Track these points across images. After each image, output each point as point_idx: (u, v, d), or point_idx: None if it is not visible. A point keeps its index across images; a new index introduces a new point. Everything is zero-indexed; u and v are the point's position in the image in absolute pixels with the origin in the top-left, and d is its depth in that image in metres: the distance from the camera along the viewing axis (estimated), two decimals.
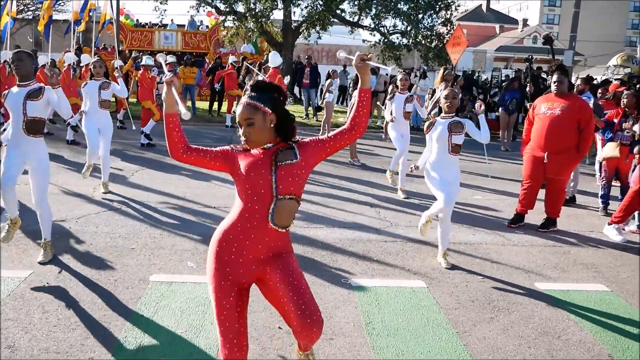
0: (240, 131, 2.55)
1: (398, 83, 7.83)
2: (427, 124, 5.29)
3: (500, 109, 13.47)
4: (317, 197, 7.62)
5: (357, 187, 8.33)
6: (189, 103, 15.91)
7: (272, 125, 2.56)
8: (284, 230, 2.59)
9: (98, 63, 7.10)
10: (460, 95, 5.59)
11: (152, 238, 5.58)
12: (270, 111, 2.54)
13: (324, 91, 13.51)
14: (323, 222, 6.40)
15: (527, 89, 9.89)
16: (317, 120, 15.77)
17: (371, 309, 4.18)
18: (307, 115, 16.62)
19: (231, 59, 14.82)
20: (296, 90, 19.99)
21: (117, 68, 12.69)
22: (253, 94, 2.56)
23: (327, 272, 4.88)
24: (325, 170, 9.51)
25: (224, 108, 15.29)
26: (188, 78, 15.45)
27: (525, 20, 55.29)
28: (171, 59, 12.49)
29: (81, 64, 12.03)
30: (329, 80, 13.29)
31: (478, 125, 5.31)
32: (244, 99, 2.56)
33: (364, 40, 21.98)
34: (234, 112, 14.18)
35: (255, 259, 2.62)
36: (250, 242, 2.58)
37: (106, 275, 4.59)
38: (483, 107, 5.38)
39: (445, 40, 18.65)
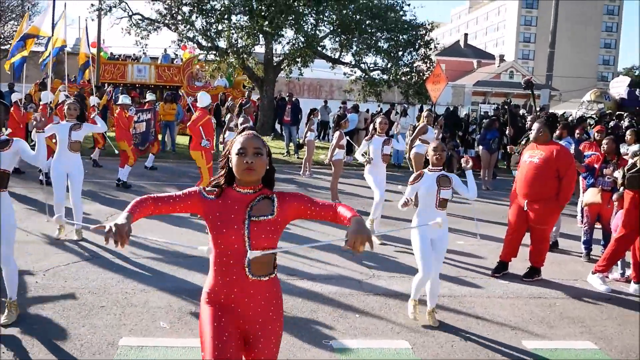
0: (241, 159, 2.43)
1: (377, 126, 7.74)
2: (413, 175, 5.16)
3: (481, 148, 13.51)
4: (296, 244, 7.41)
5: (337, 233, 8.14)
6: (168, 138, 15.71)
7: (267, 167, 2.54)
8: (267, 279, 2.51)
9: (73, 105, 6.90)
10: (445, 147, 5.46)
11: (124, 294, 5.32)
12: (268, 153, 2.56)
13: (305, 129, 13.44)
14: (303, 274, 6.19)
15: (507, 132, 9.90)
16: (298, 158, 15.67)
17: None
18: (287, 152, 16.50)
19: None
20: (277, 126, 19.93)
21: (93, 106, 12.55)
22: (254, 132, 2.57)
23: (307, 332, 4.66)
24: None
25: None
26: (168, 114, 15.27)
27: (502, 56, 56.47)
28: (150, 96, 12.28)
29: (41, 102, 11.52)
30: (310, 119, 13.23)
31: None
32: (251, 132, 2.54)
33: (344, 74, 22.10)
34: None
35: (243, 313, 2.52)
36: (235, 296, 2.49)
37: (72, 340, 4.32)
38: (470, 162, 5.26)
39: (425, 77, 18.84)
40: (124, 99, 10.30)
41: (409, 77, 19.34)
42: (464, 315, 5.25)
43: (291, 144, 16.58)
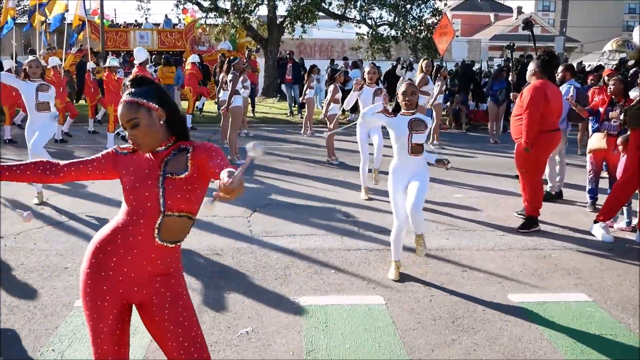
0: (127, 135, 2.19)
1: (365, 76, 7.30)
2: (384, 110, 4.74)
3: (488, 99, 12.95)
4: (282, 201, 7.15)
5: (330, 189, 7.84)
6: None
7: (161, 122, 2.19)
8: (173, 246, 2.25)
9: (34, 63, 6.63)
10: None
11: None
12: (157, 106, 2.18)
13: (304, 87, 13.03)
14: (284, 230, 5.91)
15: (510, 78, 9.37)
16: (300, 117, 15.28)
17: (316, 334, 3.69)
18: (291, 112, 16.11)
19: (192, 58, 14.17)
20: (283, 87, 19.48)
21: (89, 70, 12.28)
22: (133, 89, 2.20)
23: (274, 291, 4.39)
24: (297, 170, 9.04)
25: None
26: (167, 78, 14.93)
27: (519, 8, 54.55)
28: (113, 61, 11.43)
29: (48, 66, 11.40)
30: (309, 77, 12.80)
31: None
32: (124, 97, 2.20)
33: (357, 34, 21.30)
34: (195, 110, 13.77)
35: (137, 277, 2.22)
36: (132, 258, 2.20)
37: (26, 302, 4.12)
38: (449, 166, 4.71)
39: (434, 31, 18.10)
40: (111, 61, 9.97)
41: (417, 31, 18.59)
42: (449, 268, 4.93)
43: (294, 104, 16.18)
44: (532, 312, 4.11)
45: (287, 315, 3.97)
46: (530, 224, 6.08)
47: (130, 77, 2.28)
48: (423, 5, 19.06)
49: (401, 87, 4.66)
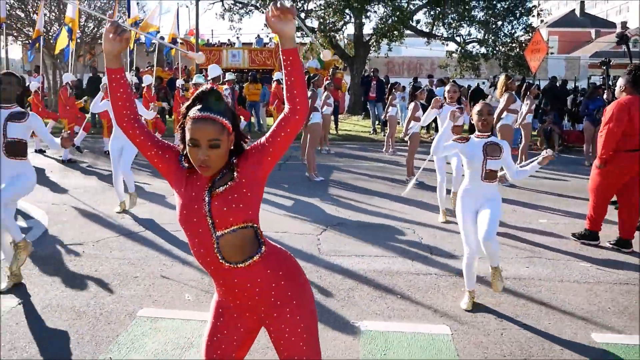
0: (194, 153, 1.95)
1: (446, 94, 7.04)
2: (461, 135, 4.53)
3: (584, 119, 12.17)
4: (355, 220, 6.99)
5: (407, 209, 7.59)
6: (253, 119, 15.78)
7: (231, 148, 2.03)
8: (245, 265, 2.05)
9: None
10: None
11: (162, 265, 5.19)
12: (231, 129, 2.00)
13: (387, 105, 12.87)
14: (353, 250, 5.76)
15: (605, 97, 8.73)
16: (383, 135, 15.09)
17: None
18: (374, 130, 15.96)
19: (277, 75, 14.44)
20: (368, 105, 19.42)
21: (179, 87, 12.81)
22: (211, 104, 1.97)
23: (335, 313, 4.23)
24: (375, 189, 8.86)
25: None
26: (252, 94, 15.29)
27: (624, 24, 51.21)
28: (230, 76, 12.21)
29: (142, 84, 12.08)
30: (391, 95, 12.62)
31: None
32: (203, 112, 1.94)
33: (447, 52, 20.87)
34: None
35: (242, 305, 2.13)
36: (225, 288, 2.11)
37: (94, 308, 4.22)
38: (548, 161, 4.40)
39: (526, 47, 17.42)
40: (197, 79, 10.30)
41: (508, 48, 17.94)
42: (526, 301, 4.55)
43: (377, 122, 16.03)
44: (618, 356, 3.69)
45: (345, 339, 3.81)
46: (622, 245, 5.70)
47: (205, 87, 2.06)
48: (515, 22, 18.38)
49: (476, 107, 4.43)
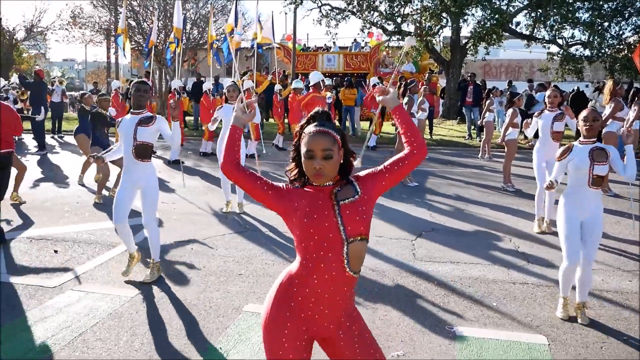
0: (310, 164, 2.17)
1: (546, 99, 6.88)
2: (561, 149, 4.48)
3: None
4: (449, 227, 7.01)
5: (503, 218, 7.49)
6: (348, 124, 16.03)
7: (341, 162, 2.26)
8: (357, 276, 2.25)
9: (232, 87, 7.35)
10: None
11: (264, 264, 5.51)
12: (341, 144, 2.25)
13: (484, 110, 12.66)
14: (448, 256, 5.81)
15: None
16: (479, 141, 14.84)
17: None
18: (469, 135, 15.72)
19: (373, 80, 14.55)
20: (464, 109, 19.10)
21: (276, 92, 13.30)
22: (324, 123, 2.25)
23: (432, 316, 4.34)
24: (470, 196, 8.79)
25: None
26: (348, 99, 15.55)
27: None
28: (297, 83, 11.97)
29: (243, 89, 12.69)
30: (489, 100, 12.41)
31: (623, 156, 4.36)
32: (318, 127, 2.20)
33: (548, 54, 20.00)
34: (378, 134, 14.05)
35: (330, 314, 2.25)
36: (329, 295, 2.21)
37: (204, 301, 4.58)
38: (632, 137, 4.36)
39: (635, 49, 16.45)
40: (296, 83, 10.70)
41: (615, 50, 17.00)
42: (628, 314, 4.42)
43: (473, 127, 15.77)
44: None
45: (441, 343, 3.90)
46: None
47: (318, 109, 2.32)
48: (624, 22, 17.37)
49: (582, 113, 4.38)
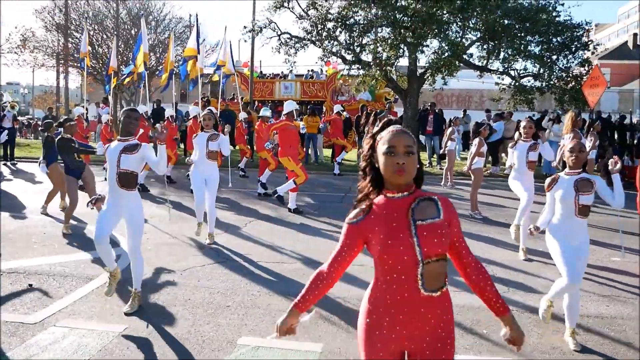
0: (391, 160, 2.16)
1: (521, 130, 7.15)
2: (548, 180, 4.68)
3: None
4: None
5: (475, 245, 7.67)
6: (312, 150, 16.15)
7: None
8: (439, 294, 2.21)
9: (207, 115, 7.33)
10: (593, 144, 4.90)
11: (250, 296, 5.45)
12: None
13: (445, 139, 13.02)
14: None
15: None
16: (440, 169, 15.22)
17: None
18: (430, 163, 16.09)
19: (336, 107, 14.83)
20: (422, 138, 19.55)
21: (241, 120, 13.29)
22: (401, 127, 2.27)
23: None
24: None
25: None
26: (311, 127, 15.69)
27: None
28: (265, 112, 11.81)
29: (189, 116, 12.57)
30: (450, 128, 12.78)
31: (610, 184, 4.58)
32: (398, 127, 2.24)
33: (496, 84, 20.83)
34: (340, 160, 14.22)
35: (410, 334, 2.23)
36: (404, 317, 2.20)
37: (195, 335, 4.49)
38: (619, 165, 4.58)
39: (583, 82, 17.32)
40: (263, 112, 10.74)
41: (564, 82, 17.86)
42: (611, 340, 4.60)
43: (434, 156, 16.16)
44: None
45: None
46: None
47: (390, 118, 2.37)
48: (571, 56, 18.29)
49: (569, 144, 4.57)
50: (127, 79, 17.42)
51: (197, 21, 14.36)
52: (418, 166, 2.25)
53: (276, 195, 9.80)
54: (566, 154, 4.51)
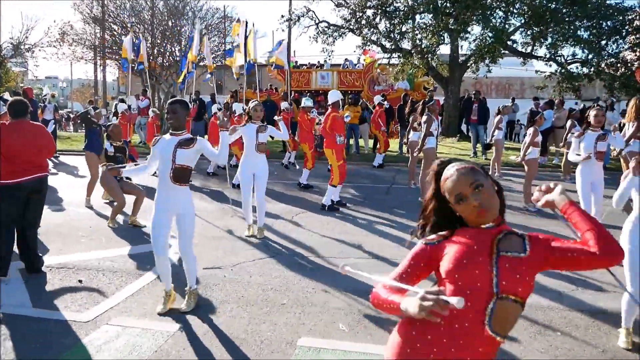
0: (467, 206, 1.97)
1: (591, 119, 6.72)
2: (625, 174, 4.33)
3: None
4: None
5: None
6: (352, 142, 15.88)
7: (496, 190, 2.03)
8: (501, 339, 1.91)
9: (258, 107, 7.11)
10: None
11: (305, 292, 5.24)
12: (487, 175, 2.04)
13: (492, 128, 12.57)
14: None
15: None
16: (485, 159, 14.75)
17: None
18: (474, 153, 15.63)
19: (377, 98, 14.44)
20: (463, 127, 19.06)
21: (284, 110, 13.10)
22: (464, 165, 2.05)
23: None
24: None
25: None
26: (353, 118, 15.37)
27: None
28: (307, 102, 11.25)
29: (236, 113, 12.27)
30: (498, 117, 12.32)
31: None
32: (457, 165, 2.04)
33: (537, 72, 20.18)
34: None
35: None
36: (455, 349, 1.88)
37: (253, 335, 4.30)
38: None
39: (634, 68, 16.58)
40: (305, 102, 10.49)
41: (614, 68, 17.11)
42: None
43: (478, 145, 15.69)
44: None
45: None
46: None
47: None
48: (621, 41, 17.50)
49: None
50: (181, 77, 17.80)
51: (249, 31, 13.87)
52: (497, 189, 2.02)
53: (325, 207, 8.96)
54: None
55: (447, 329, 1.89)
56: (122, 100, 16.92)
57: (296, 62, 28.33)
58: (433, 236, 2.06)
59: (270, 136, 7.36)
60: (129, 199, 7.85)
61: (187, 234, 4.74)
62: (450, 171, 2.03)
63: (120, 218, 8.08)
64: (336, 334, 4.35)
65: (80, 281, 5.49)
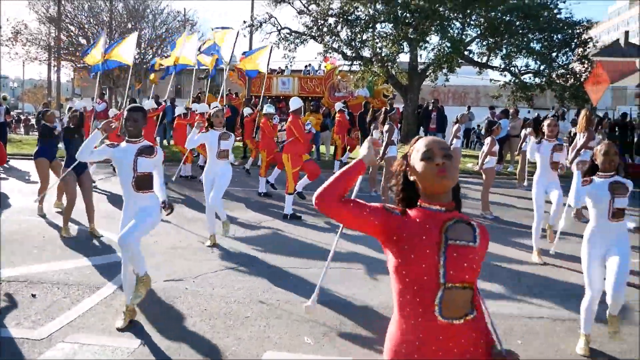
0: (429, 164, 1.99)
1: (545, 129, 6.91)
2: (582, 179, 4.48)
3: None
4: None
5: (492, 248, 7.44)
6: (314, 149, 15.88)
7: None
8: (461, 322, 1.94)
9: (220, 112, 7.04)
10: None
11: (269, 304, 5.18)
12: None
13: (451, 137, 12.78)
14: None
15: None
16: None
17: None
18: None
19: (338, 105, 14.54)
20: (422, 134, 19.34)
21: (247, 116, 13.02)
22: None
23: None
24: None
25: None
26: (314, 125, 15.38)
27: None
28: (269, 108, 10.82)
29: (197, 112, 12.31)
30: (456, 126, 12.53)
31: None
32: (431, 136, 2.13)
33: (491, 80, 20.77)
34: (345, 160, 13.94)
35: None
36: (420, 345, 1.94)
37: (218, 350, 4.22)
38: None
39: (582, 79, 17.19)
40: (267, 108, 10.41)
41: (564, 79, 17.73)
42: None
43: None
44: None
45: None
46: None
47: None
48: (570, 53, 18.16)
49: (602, 147, 4.39)
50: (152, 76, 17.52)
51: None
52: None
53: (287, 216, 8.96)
54: (600, 157, 4.34)
55: (408, 327, 1.97)
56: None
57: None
58: (391, 206, 2.10)
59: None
60: (80, 204, 7.61)
61: (143, 229, 4.54)
62: (428, 137, 2.11)
63: (74, 228, 7.81)
64: (301, 347, 4.32)
65: (33, 295, 5.27)
